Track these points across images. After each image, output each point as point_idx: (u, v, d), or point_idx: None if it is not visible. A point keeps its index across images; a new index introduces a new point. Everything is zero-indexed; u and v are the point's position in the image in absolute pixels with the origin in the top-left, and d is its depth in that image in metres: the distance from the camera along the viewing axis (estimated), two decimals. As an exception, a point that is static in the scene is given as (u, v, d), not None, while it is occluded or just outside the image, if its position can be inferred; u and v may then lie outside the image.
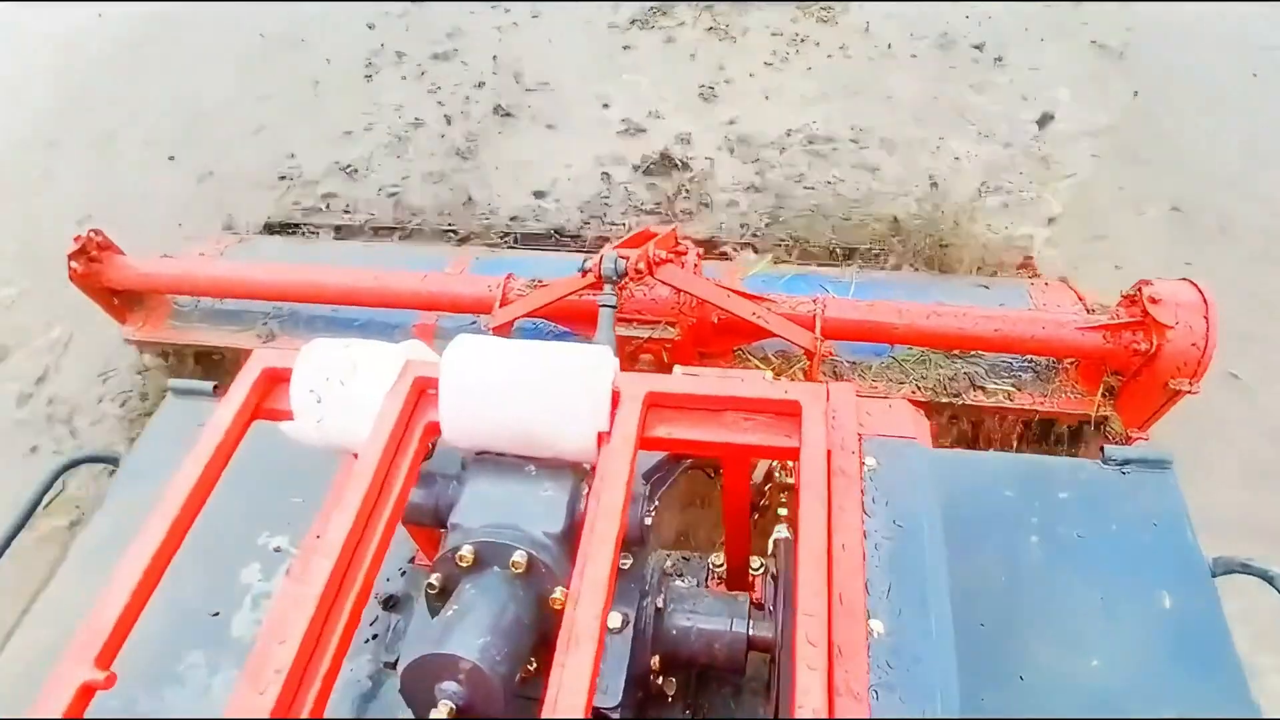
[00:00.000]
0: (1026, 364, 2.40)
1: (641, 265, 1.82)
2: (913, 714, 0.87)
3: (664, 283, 1.98)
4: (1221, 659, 1.35)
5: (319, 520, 1.04)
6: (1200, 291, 2.01)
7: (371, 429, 1.08)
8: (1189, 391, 2.01)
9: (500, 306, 2.33)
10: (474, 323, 2.53)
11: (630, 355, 2.29)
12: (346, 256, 3.15)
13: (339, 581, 0.95)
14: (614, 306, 1.82)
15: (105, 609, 0.93)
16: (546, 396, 1.06)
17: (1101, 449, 1.63)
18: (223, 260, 2.98)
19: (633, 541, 1.15)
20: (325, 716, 0.89)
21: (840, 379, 2.40)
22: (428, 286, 2.49)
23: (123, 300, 2.89)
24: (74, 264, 2.69)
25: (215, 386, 1.83)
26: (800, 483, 0.98)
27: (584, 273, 1.90)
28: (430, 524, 1.17)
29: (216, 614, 1.55)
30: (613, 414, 1.06)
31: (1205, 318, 1.98)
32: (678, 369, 1.19)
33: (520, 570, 1.01)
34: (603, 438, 1.06)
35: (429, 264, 2.79)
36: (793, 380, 2.30)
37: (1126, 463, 1.60)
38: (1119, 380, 2.22)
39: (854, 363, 2.44)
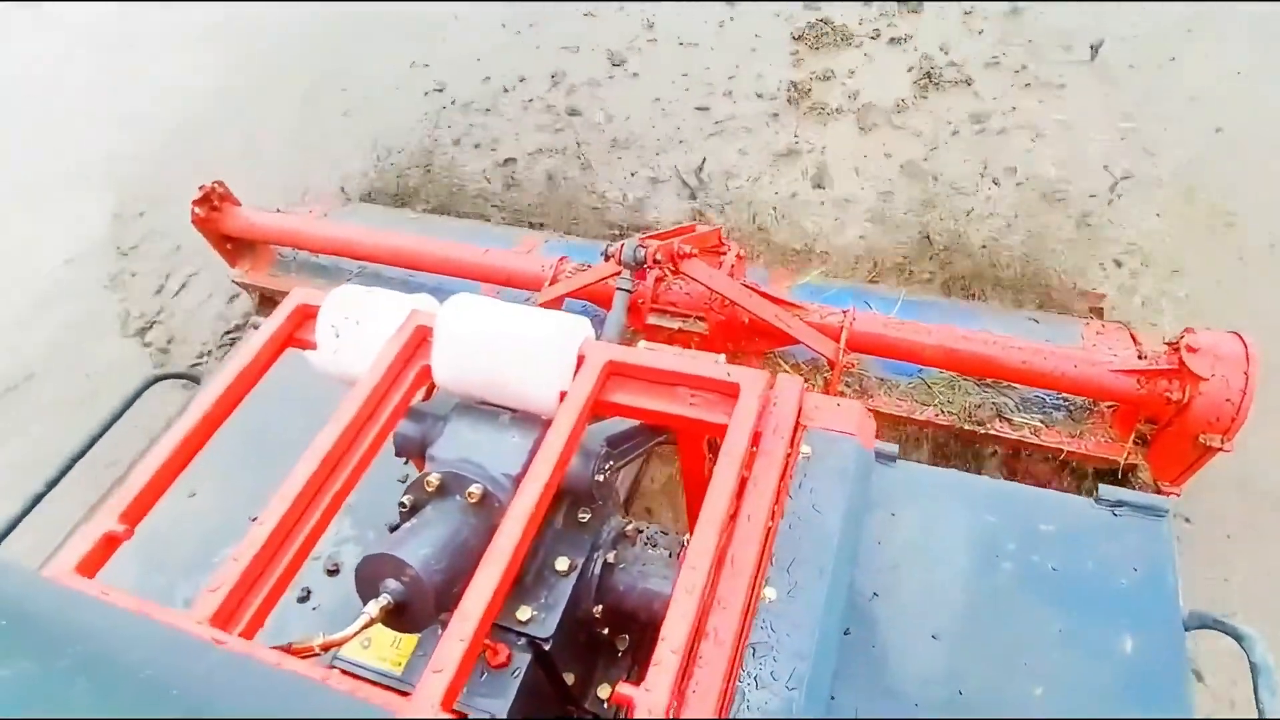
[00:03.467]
0: (1061, 402, 2.35)
1: (660, 255, 1.93)
2: (782, 674, 0.96)
3: (687, 276, 2.08)
4: (1171, 713, 1.32)
5: None
6: (1245, 344, 1.93)
7: (373, 362, 1.25)
8: (1221, 449, 1.93)
9: (550, 285, 2.51)
10: (529, 299, 2.71)
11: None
12: (433, 229, 3.42)
13: (323, 478, 1.12)
14: (629, 290, 1.94)
15: (136, 477, 1.14)
16: (519, 353, 1.21)
17: (1095, 487, 1.61)
18: (322, 220, 3.31)
19: (582, 496, 1.27)
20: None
21: (865, 394, 2.43)
22: (488, 260, 2.70)
23: (235, 246, 3.27)
24: (197, 210, 3.06)
25: None
26: (720, 454, 1.07)
27: (606, 258, 2.03)
28: (418, 455, 1.34)
29: (255, 519, 1.80)
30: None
31: (1245, 373, 1.89)
32: (642, 343, 1.31)
33: (475, 500, 1.15)
34: (564, 396, 1.19)
35: (506, 243, 3.00)
36: (813, 390, 2.35)
37: (1120, 504, 1.58)
38: (1153, 430, 2.15)
39: (882, 379, 2.46)
